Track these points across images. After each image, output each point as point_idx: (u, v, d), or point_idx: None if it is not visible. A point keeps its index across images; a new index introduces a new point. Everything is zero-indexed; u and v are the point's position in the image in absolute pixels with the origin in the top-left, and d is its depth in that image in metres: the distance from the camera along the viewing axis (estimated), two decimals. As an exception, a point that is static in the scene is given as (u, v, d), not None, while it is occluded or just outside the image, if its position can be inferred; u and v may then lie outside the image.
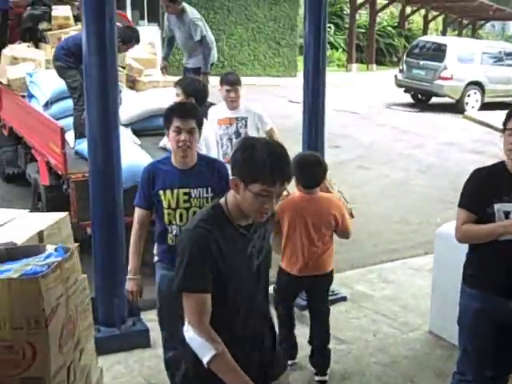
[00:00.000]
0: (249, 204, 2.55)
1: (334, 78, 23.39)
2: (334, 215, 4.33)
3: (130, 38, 6.80)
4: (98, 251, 4.90)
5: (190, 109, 3.94)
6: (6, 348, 2.80)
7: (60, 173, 6.05)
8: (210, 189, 3.84)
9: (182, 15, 7.62)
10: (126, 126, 7.13)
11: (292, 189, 4.31)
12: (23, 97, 7.68)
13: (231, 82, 5.89)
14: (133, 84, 7.93)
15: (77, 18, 8.19)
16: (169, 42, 8.35)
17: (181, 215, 3.82)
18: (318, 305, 4.58)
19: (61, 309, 2.97)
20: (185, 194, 3.81)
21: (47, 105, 7.12)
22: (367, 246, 7.48)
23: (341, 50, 29.84)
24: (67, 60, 6.59)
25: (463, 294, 3.57)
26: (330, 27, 31.03)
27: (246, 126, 5.97)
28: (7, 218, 4.11)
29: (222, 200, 2.68)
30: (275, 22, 22.61)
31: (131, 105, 7.19)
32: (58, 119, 6.80)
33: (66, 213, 4.28)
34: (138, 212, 3.93)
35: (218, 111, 6.11)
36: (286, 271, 4.44)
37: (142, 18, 20.68)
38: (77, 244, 4.30)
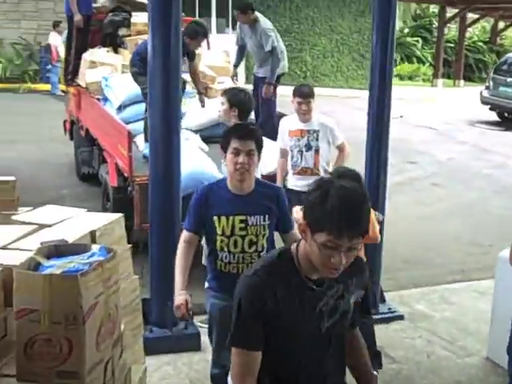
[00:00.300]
0: (315, 255, 2.25)
1: (417, 92, 23.09)
2: None
3: (197, 32, 6.94)
4: (154, 254, 4.98)
5: (250, 129, 3.73)
6: (45, 341, 2.87)
7: (126, 175, 6.19)
8: (267, 216, 3.62)
9: (254, 25, 7.67)
10: (195, 132, 7.24)
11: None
12: (98, 100, 7.91)
13: (303, 95, 5.86)
14: (205, 91, 8.03)
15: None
16: (240, 50, 8.41)
17: (235, 242, 3.60)
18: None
19: (99, 307, 3.02)
20: (241, 221, 3.57)
21: (120, 108, 7.30)
22: (434, 266, 7.30)
23: (427, 64, 29.35)
24: (140, 66, 6.75)
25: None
26: (417, 41, 30.59)
27: (317, 139, 5.93)
28: (65, 217, 4.22)
29: (293, 247, 2.40)
30: (359, 34, 22.50)
31: (201, 111, 7.30)
32: (129, 123, 6.97)
33: (121, 214, 4.36)
34: (185, 234, 3.72)
35: (290, 122, 6.11)
36: None
37: (228, 26, 21.00)
38: (129, 246, 4.40)
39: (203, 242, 3.90)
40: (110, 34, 8.65)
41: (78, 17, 9.09)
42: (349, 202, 2.17)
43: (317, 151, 5.87)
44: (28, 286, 2.93)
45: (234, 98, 5.19)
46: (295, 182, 5.95)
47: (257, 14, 7.89)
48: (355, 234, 2.19)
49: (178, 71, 4.87)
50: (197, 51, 8.91)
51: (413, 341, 5.33)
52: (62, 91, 11.53)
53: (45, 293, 2.91)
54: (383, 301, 5.76)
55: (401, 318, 5.69)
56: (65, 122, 10.14)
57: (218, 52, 9.29)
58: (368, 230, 2.26)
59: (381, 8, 5.54)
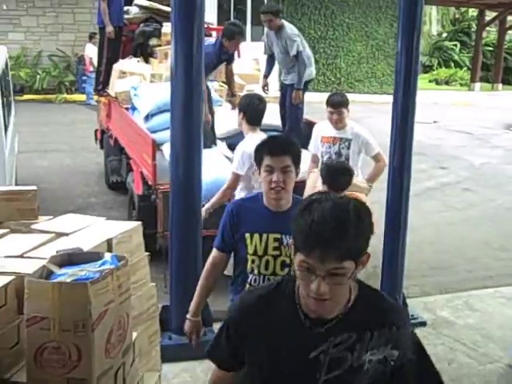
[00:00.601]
0: (299, 281, 1.98)
1: (454, 97, 22.85)
2: None
3: (233, 33, 7.06)
4: (174, 262, 5.04)
5: (284, 144, 3.37)
6: (55, 348, 2.93)
7: (150, 183, 6.28)
8: None
9: (280, 31, 7.70)
10: (222, 139, 7.30)
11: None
12: (127, 109, 8.02)
13: (335, 104, 5.89)
14: (234, 98, 8.08)
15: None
16: (269, 60, 8.42)
17: (267, 263, 3.29)
18: None
19: (109, 314, 3.08)
20: (275, 239, 3.26)
21: (147, 117, 7.39)
22: (460, 271, 7.24)
23: (465, 68, 29.05)
24: None
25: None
26: (455, 45, 30.31)
27: (348, 147, 5.94)
28: (83, 225, 4.30)
29: None
30: (395, 40, 22.32)
31: (228, 119, 7.35)
32: (157, 131, 7.05)
33: (139, 222, 4.43)
34: (214, 253, 3.48)
35: (323, 128, 6.13)
36: None
37: (263, 33, 21.04)
38: (147, 254, 4.46)
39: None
40: (141, 44, 8.78)
41: (109, 28, 9.25)
42: (325, 218, 1.87)
43: (346, 160, 5.87)
44: (38, 293, 3.00)
45: (241, 102, 5.49)
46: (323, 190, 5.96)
47: (283, 20, 7.93)
48: (330, 255, 1.86)
49: (201, 80, 4.91)
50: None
51: (434, 348, 5.29)
52: (96, 101, 11.73)
53: (54, 300, 2.97)
54: (406, 307, 5.72)
55: (423, 324, 5.65)
56: (96, 131, 10.32)
57: (247, 60, 9.34)
58: (360, 254, 1.93)
59: (406, 15, 5.52)
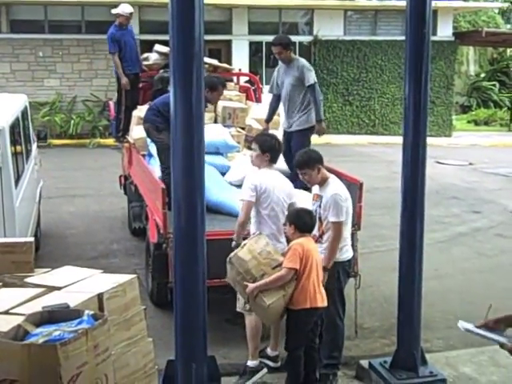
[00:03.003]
0: None
1: (492, 138, 22.46)
2: None
3: (215, 84, 7.16)
4: (178, 315, 4.87)
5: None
6: (24, 414, 2.80)
7: (161, 231, 6.16)
8: None
9: (292, 62, 7.51)
10: (237, 186, 7.18)
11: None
12: (144, 156, 7.98)
13: (296, 166, 5.57)
14: (251, 143, 7.96)
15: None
16: (273, 102, 7.96)
17: None
18: None
19: (83, 377, 2.94)
20: None
21: (162, 163, 7.31)
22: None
23: (505, 108, 28.62)
24: (159, 121, 6.84)
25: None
26: (494, 85, 29.96)
27: (320, 206, 5.49)
28: (78, 278, 4.20)
29: None
30: (430, 81, 22.14)
31: (245, 165, 7.23)
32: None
33: (134, 276, 4.31)
34: None
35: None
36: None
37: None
38: (143, 307, 4.32)
39: None
40: (159, 90, 8.75)
41: (124, 80, 9.34)
42: None
43: (319, 219, 5.41)
44: (8, 355, 2.88)
45: (265, 144, 5.64)
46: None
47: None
48: None
49: (202, 125, 4.78)
50: (245, 105, 8.96)
51: (453, 408, 5.00)
52: (116, 146, 11.90)
53: (24, 362, 2.85)
54: (424, 362, 5.42)
55: (443, 382, 5.34)
56: (120, 176, 10.32)
57: (266, 105, 9.27)
58: None
59: (412, 56, 5.38)
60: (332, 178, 5.50)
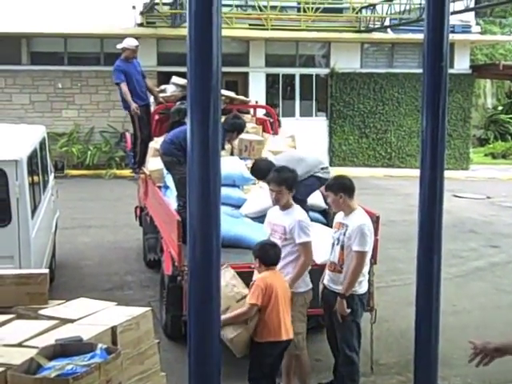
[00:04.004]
0: None
1: (511, 171, 22.30)
2: None
3: (243, 128, 7.46)
4: (192, 348, 4.81)
5: None
6: None
7: (176, 264, 6.15)
8: None
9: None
10: (253, 219, 7.16)
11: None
12: (160, 187, 7.99)
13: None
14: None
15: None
16: None
17: None
18: None
19: (96, 412, 2.91)
20: None
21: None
22: (506, 361, 6.59)
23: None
24: (179, 155, 6.87)
25: None
26: (511, 118, 29.89)
27: (344, 234, 5.60)
28: (92, 310, 4.18)
29: None
30: (447, 113, 22.13)
31: (259, 198, 7.22)
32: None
33: (148, 309, 4.28)
34: None
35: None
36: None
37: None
38: (156, 341, 4.28)
39: None
40: (177, 122, 8.79)
41: (133, 105, 9.30)
42: None
43: (341, 247, 5.51)
44: (21, 389, 2.85)
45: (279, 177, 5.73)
46: (326, 278, 5.73)
47: None
48: None
49: (218, 157, 4.78)
50: (262, 137, 8.99)
51: None
52: (133, 177, 11.93)
53: (36, 397, 2.82)
54: (442, 402, 5.33)
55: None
56: (136, 207, 10.33)
57: (283, 137, 9.28)
58: None
59: (430, 88, 5.34)
60: (359, 210, 5.60)
